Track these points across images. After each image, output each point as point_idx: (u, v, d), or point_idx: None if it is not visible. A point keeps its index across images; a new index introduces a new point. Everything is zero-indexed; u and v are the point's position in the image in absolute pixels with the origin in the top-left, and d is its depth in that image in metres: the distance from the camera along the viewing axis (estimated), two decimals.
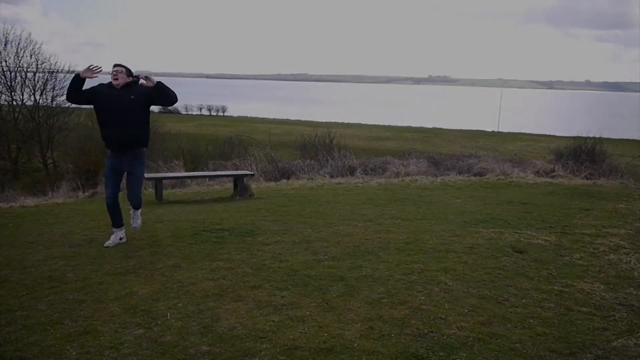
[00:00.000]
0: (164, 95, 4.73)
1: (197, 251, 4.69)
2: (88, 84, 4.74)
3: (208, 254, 4.60)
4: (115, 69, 4.70)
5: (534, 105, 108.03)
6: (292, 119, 44.87)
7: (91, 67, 4.57)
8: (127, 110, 4.62)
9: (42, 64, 21.92)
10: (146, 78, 4.71)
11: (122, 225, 4.99)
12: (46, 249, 4.87)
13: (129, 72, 4.73)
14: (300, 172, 12.28)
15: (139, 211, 5.14)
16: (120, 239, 4.97)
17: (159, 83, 4.68)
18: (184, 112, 51.24)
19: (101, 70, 4.66)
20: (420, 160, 13.41)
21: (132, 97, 4.64)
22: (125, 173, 4.95)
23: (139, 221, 5.15)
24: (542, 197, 7.86)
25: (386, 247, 4.76)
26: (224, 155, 16.43)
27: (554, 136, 31.14)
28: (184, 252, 4.65)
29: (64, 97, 21.79)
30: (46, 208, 7.71)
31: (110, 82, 4.69)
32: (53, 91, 21.90)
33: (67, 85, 4.69)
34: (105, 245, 4.82)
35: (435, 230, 5.48)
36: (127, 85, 4.68)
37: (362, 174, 12.00)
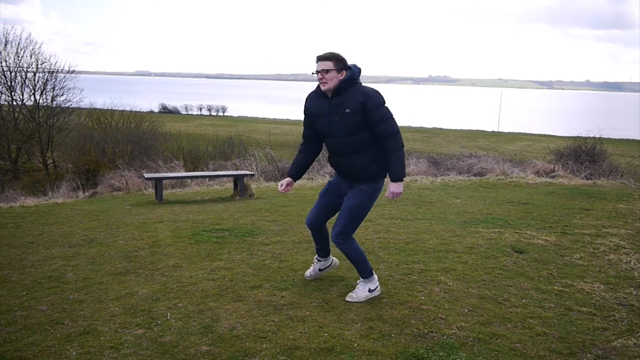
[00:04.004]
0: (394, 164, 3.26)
1: (197, 251, 4.69)
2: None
3: (208, 254, 4.60)
4: (319, 65, 3.17)
5: (534, 105, 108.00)
6: (292, 119, 44.86)
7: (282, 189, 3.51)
8: (342, 129, 3.20)
9: (42, 64, 21.93)
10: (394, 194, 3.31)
11: (328, 255, 3.78)
12: (46, 249, 4.87)
13: (340, 63, 3.16)
14: None
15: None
16: (320, 270, 3.82)
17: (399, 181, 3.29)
18: (184, 112, 51.28)
19: (289, 189, 3.55)
20: (420, 160, 13.42)
21: (348, 110, 3.15)
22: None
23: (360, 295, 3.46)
24: (542, 197, 7.86)
25: (386, 247, 4.76)
26: (224, 155, 16.43)
27: (554, 136, 31.13)
28: (184, 252, 4.65)
29: (63, 97, 21.85)
30: (46, 208, 7.71)
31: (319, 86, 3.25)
32: (53, 91, 21.90)
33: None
34: (306, 275, 3.85)
35: (435, 230, 5.48)
36: (340, 90, 3.17)
37: None
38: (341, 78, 3.17)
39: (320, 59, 3.16)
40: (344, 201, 3.39)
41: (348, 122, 3.17)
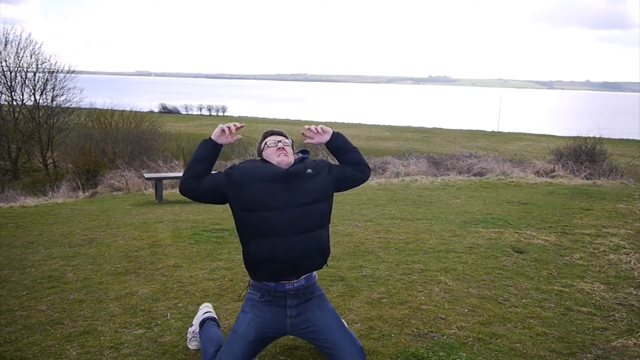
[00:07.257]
0: (349, 158, 2.65)
1: (197, 251, 4.69)
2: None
3: (208, 254, 4.60)
4: (279, 138, 2.57)
5: (534, 105, 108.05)
6: (292, 119, 44.89)
7: (230, 126, 2.55)
8: (305, 206, 2.43)
9: (42, 64, 21.91)
10: (317, 131, 2.64)
11: None
12: (46, 249, 4.87)
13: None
14: None
15: None
16: None
17: (336, 135, 2.67)
18: (183, 112, 51.30)
19: (244, 127, 2.63)
20: (420, 160, 13.43)
21: (310, 170, 2.50)
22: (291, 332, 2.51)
23: None
24: (542, 197, 7.86)
25: (386, 247, 4.76)
26: (223, 155, 16.44)
27: (554, 136, 31.10)
28: (184, 252, 4.65)
29: (63, 97, 21.75)
30: (46, 208, 7.71)
31: (258, 160, 2.60)
32: (53, 91, 21.89)
33: (187, 165, 2.53)
34: None
35: (435, 230, 5.48)
36: (297, 161, 2.57)
37: None
38: (296, 157, 2.59)
39: (279, 134, 2.60)
40: (326, 320, 2.46)
41: (312, 185, 2.46)
